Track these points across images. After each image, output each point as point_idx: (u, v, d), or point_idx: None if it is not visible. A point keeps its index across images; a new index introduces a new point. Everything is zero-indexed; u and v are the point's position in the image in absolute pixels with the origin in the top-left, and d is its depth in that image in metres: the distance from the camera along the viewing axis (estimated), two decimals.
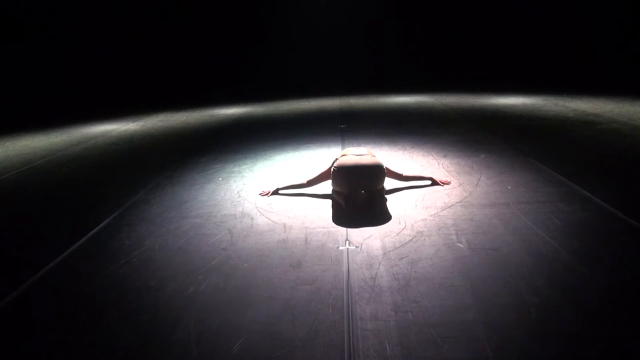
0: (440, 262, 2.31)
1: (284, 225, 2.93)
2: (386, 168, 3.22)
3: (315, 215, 3.07)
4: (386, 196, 3.31)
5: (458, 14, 11.72)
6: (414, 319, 1.85)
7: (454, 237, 2.60)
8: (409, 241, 2.57)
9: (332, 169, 3.17)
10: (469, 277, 2.15)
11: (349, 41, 12.21)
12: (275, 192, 3.56)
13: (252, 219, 3.07)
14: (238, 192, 3.65)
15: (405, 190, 3.45)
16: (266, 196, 3.51)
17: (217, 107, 9.12)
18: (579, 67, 10.36)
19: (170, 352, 1.77)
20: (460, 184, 3.51)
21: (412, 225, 2.79)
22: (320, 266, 2.35)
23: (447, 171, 3.85)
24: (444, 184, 3.52)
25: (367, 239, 2.63)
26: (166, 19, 12.18)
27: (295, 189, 3.55)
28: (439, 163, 4.13)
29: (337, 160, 3.17)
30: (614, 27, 10.31)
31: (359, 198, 3.03)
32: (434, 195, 3.30)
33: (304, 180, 3.49)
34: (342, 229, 2.80)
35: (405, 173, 3.51)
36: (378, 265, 2.31)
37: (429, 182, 3.56)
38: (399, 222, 2.85)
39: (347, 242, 2.61)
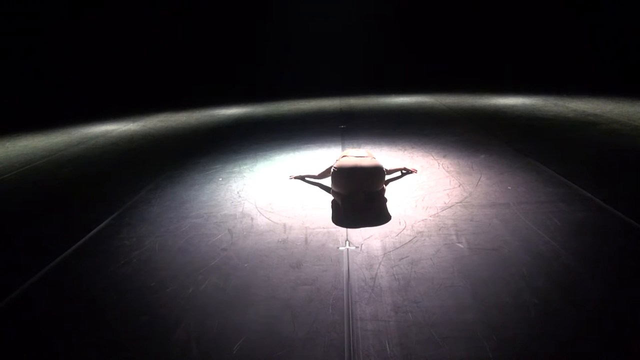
0: (440, 262, 2.31)
1: (284, 225, 2.93)
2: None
3: (315, 215, 3.07)
4: (386, 196, 3.31)
5: (458, 14, 11.73)
6: (414, 319, 1.85)
7: (454, 237, 2.60)
8: (409, 241, 2.57)
9: (331, 170, 3.17)
10: (469, 277, 2.15)
11: (349, 41, 12.21)
12: (301, 178, 3.91)
13: (252, 219, 3.07)
14: (238, 193, 3.66)
15: (405, 191, 3.45)
16: (293, 178, 3.92)
17: (217, 107, 9.13)
18: (579, 67, 10.37)
19: (170, 352, 1.77)
20: (460, 184, 3.51)
21: (412, 226, 2.79)
22: (320, 266, 2.35)
23: (447, 171, 3.86)
24: (413, 171, 3.90)
25: (367, 239, 2.63)
26: (166, 19, 12.18)
27: (312, 179, 3.86)
28: (439, 163, 4.13)
29: (337, 162, 3.18)
30: (614, 27, 10.32)
31: (359, 199, 3.03)
32: (434, 196, 3.30)
33: (316, 173, 3.80)
34: (342, 229, 2.80)
35: (388, 167, 3.69)
36: (378, 266, 2.31)
37: (399, 174, 3.88)
38: (399, 223, 2.85)
39: (347, 242, 2.61)
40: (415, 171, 3.91)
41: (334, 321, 1.88)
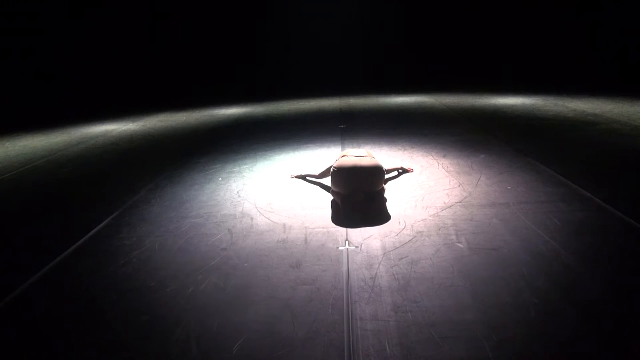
0: (440, 262, 2.31)
1: (284, 225, 2.93)
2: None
3: (315, 215, 3.07)
4: (386, 196, 3.31)
5: (458, 14, 11.72)
6: (414, 319, 1.85)
7: (454, 237, 2.60)
8: (409, 241, 2.57)
9: (331, 170, 3.17)
10: (469, 277, 2.15)
11: (349, 41, 12.21)
12: (303, 178, 3.91)
13: (252, 219, 3.08)
14: (238, 193, 3.66)
15: (405, 191, 3.45)
16: (294, 178, 3.93)
17: (217, 107, 9.13)
18: (579, 67, 10.36)
19: (170, 352, 1.77)
20: (460, 184, 3.51)
21: (412, 226, 2.79)
22: (320, 266, 2.35)
23: (447, 171, 3.86)
24: (410, 171, 3.90)
25: (367, 239, 2.63)
26: (166, 19, 12.18)
27: (313, 178, 3.86)
28: (439, 163, 4.13)
29: (337, 162, 3.18)
30: (614, 27, 10.31)
31: (359, 199, 3.03)
32: (434, 196, 3.30)
33: (317, 173, 3.79)
34: (342, 229, 2.80)
35: (385, 167, 3.63)
36: (378, 266, 2.31)
37: (396, 173, 3.89)
38: (399, 223, 2.85)
39: (347, 242, 2.61)
40: (412, 170, 3.91)
41: (334, 321, 1.88)
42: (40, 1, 10.89)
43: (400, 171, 3.91)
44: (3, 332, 2.03)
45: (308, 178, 3.90)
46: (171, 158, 5.04)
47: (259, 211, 3.21)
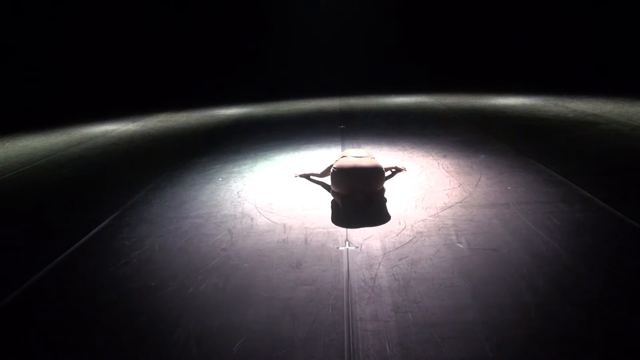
0: (440, 262, 2.31)
1: (284, 225, 2.93)
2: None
3: (315, 215, 3.07)
4: (386, 196, 3.31)
5: (458, 14, 11.73)
6: (413, 320, 1.85)
7: (453, 237, 2.60)
8: (409, 241, 2.57)
9: (331, 170, 3.17)
10: (469, 277, 2.15)
11: (349, 41, 12.21)
12: (306, 177, 3.93)
13: (252, 219, 3.07)
14: (238, 193, 3.66)
15: (405, 191, 3.45)
16: (298, 176, 3.96)
17: (217, 107, 9.13)
18: (578, 67, 10.36)
19: (170, 352, 1.77)
20: (460, 184, 3.51)
21: (412, 226, 2.79)
22: (320, 266, 2.35)
23: (447, 171, 3.86)
24: (403, 170, 3.94)
25: (367, 239, 2.63)
26: (166, 19, 12.18)
27: (316, 177, 3.89)
28: (438, 163, 4.13)
29: (337, 162, 3.18)
30: (614, 27, 10.31)
31: (359, 199, 3.03)
32: (433, 196, 3.30)
33: (319, 171, 3.83)
34: (342, 229, 2.80)
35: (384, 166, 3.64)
36: (378, 266, 2.31)
37: (389, 172, 3.89)
38: (399, 223, 2.85)
39: (347, 242, 2.61)
40: (405, 169, 3.93)
41: (334, 321, 1.88)
42: (40, 1, 10.89)
43: (394, 170, 3.91)
44: (3, 332, 2.03)
45: (311, 177, 3.91)
46: (171, 158, 5.04)
47: (258, 211, 3.21)
